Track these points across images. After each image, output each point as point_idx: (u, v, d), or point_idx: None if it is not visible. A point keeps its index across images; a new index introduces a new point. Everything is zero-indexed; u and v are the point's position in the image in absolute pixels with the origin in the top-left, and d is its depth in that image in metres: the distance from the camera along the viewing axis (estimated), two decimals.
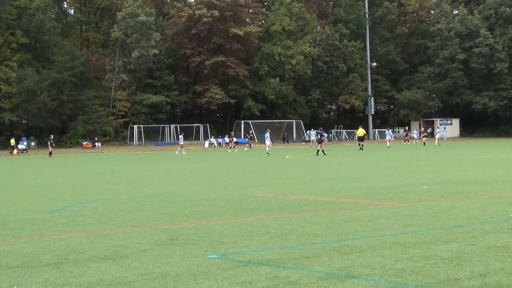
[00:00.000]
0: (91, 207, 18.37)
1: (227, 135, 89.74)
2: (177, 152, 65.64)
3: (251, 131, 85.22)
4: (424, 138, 79.22)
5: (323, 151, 53.21)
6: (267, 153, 56.99)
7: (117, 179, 30.47)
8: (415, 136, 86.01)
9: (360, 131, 66.15)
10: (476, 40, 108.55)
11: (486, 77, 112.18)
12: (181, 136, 68.80)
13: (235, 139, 79.75)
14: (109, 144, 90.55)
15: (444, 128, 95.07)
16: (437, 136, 79.72)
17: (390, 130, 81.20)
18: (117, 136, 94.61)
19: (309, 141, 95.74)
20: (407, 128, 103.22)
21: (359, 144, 64.14)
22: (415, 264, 9.47)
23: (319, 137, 56.15)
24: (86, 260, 10.43)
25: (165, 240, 12.08)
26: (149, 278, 9.07)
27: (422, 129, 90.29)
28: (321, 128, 63.84)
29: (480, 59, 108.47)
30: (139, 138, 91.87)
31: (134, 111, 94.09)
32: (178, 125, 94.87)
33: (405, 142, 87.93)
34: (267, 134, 60.42)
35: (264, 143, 62.45)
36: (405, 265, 9.42)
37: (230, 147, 74.79)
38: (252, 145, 79.90)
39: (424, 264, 9.46)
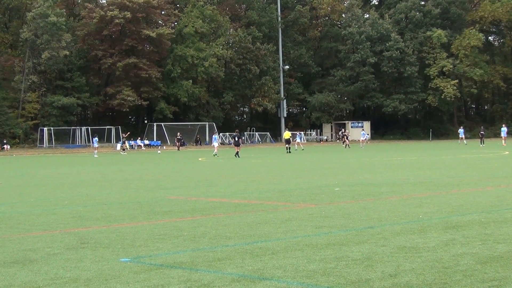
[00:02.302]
0: None
1: (138, 138, 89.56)
2: (95, 156, 64.72)
3: (178, 133, 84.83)
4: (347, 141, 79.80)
5: (237, 153, 53.60)
6: (215, 154, 56.86)
7: (27, 182, 29.93)
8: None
9: (286, 134, 65.85)
10: (387, 44, 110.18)
11: (396, 81, 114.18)
12: (95, 139, 68.12)
13: (128, 142, 79.94)
14: (19, 147, 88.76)
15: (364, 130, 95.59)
16: (361, 139, 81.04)
17: (302, 133, 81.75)
18: (26, 138, 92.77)
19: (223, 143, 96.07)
20: (342, 130, 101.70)
21: (287, 148, 63.47)
22: (327, 265, 9.54)
23: (236, 139, 56.28)
24: None
25: (76, 244, 11.90)
26: (59, 282, 8.91)
27: (347, 132, 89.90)
28: (237, 130, 63.67)
29: (391, 62, 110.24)
30: (50, 140, 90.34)
31: (45, 113, 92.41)
32: (89, 127, 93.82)
33: (343, 144, 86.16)
34: (215, 136, 60.49)
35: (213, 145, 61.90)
36: (317, 266, 9.49)
37: (123, 150, 74.46)
38: (180, 147, 79.78)
39: (335, 265, 9.54)
